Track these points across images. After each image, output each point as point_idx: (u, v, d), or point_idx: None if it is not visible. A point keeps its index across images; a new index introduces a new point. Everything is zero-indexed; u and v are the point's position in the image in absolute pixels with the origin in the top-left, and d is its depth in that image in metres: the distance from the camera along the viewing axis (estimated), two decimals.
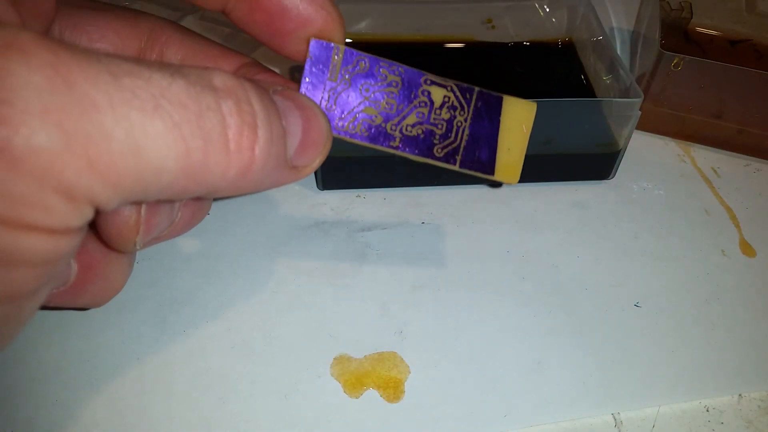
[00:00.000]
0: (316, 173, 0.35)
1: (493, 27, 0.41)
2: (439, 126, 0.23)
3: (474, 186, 0.35)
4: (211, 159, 0.15)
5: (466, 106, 0.23)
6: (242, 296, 0.30)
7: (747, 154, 0.38)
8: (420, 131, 0.22)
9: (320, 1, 0.20)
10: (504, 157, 0.24)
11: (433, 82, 0.22)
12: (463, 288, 0.31)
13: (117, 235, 0.19)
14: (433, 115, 0.22)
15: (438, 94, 0.22)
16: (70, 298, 0.20)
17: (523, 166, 0.29)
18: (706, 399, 0.27)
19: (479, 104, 0.23)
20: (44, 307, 0.19)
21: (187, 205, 0.21)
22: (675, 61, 0.36)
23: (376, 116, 0.22)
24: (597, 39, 0.38)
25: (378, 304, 0.30)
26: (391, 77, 0.22)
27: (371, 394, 0.27)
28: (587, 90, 0.38)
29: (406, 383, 0.27)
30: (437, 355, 0.28)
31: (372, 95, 0.22)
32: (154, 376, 0.27)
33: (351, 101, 0.21)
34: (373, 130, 0.22)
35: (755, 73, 0.35)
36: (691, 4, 0.41)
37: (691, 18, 0.41)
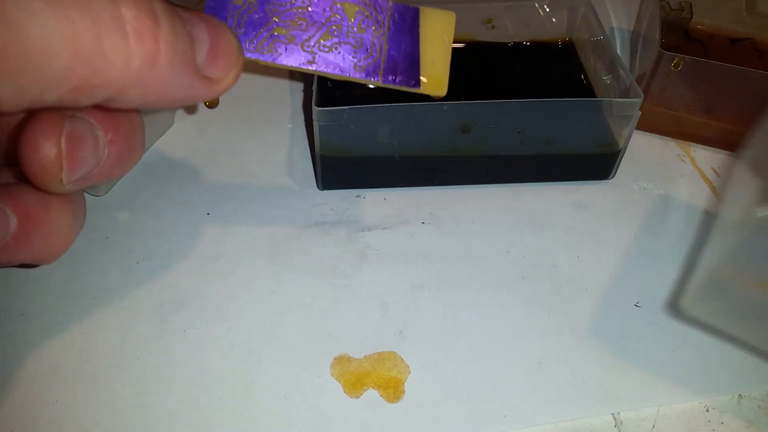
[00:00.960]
0: (315, 173, 0.35)
1: (493, 27, 0.41)
2: (357, 42, 0.22)
3: (474, 187, 0.35)
4: (105, 43, 0.15)
5: (382, 20, 0.23)
6: (242, 296, 0.30)
7: None
8: (336, 48, 0.22)
9: None
10: (429, 70, 0.23)
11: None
12: (463, 288, 0.31)
13: (41, 172, 0.18)
14: (348, 32, 0.22)
15: (351, 10, 0.22)
16: (14, 252, 0.20)
17: (524, 165, 0.29)
18: (706, 399, 0.27)
19: (395, 17, 0.23)
20: None
21: (114, 141, 0.20)
22: (675, 61, 0.36)
23: (287, 36, 0.21)
24: (597, 39, 0.38)
25: (378, 304, 0.30)
26: None
27: (371, 394, 0.27)
28: (587, 90, 0.38)
29: (406, 383, 0.27)
30: (437, 355, 0.28)
31: (281, 15, 0.21)
32: (154, 376, 0.27)
33: (259, 22, 0.21)
34: (286, 50, 0.21)
35: (755, 73, 0.35)
36: (691, 3, 0.41)
37: (692, 18, 0.41)
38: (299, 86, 0.42)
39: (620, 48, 0.45)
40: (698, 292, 0.24)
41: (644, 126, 0.39)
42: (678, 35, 0.41)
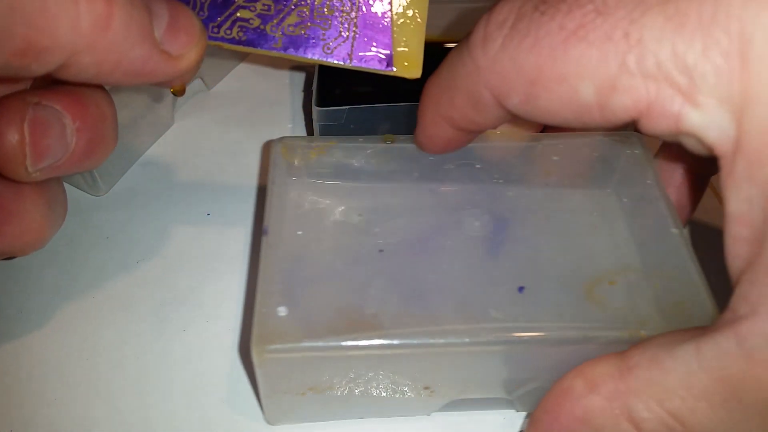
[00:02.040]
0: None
1: None
2: (325, 23, 0.21)
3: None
4: (52, 5, 0.14)
5: (349, 1, 0.22)
6: (242, 295, 0.30)
7: None
8: (303, 30, 0.21)
9: None
10: (401, 51, 0.22)
11: None
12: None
13: (3, 159, 0.18)
14: (315, 13, 0.21)
15: None
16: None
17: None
18: None
19: None
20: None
21: (82, 129, 0.19)
22: None
23: (252, 19, 0.21)
24: None
25: None
26: None
27: None
28: None
29: None
30: None
31: None
32: (154, 375, 0.27)
33: (223, 6, 0.20)
34: (251, 33, 0.21)
35: None
36: None
37: None
38: (299, 86, 0.42)
39: None
40: None
41: None
42: None
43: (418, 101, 0.31)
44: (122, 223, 0.33)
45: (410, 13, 0.23)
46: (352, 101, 0.31)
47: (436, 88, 0.22)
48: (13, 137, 0.17)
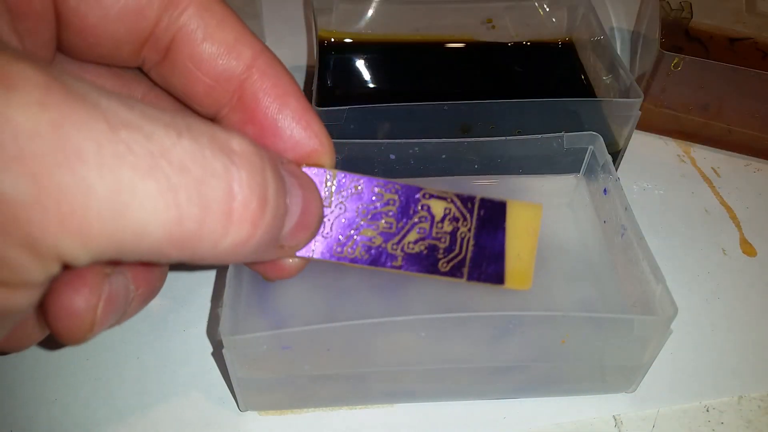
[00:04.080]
0: None
1: (493, 27, 0.41)
2: (443, 240, 0.22)
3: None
4: (205, 229, 0.14)
5: (468, 215, 0.22)
6: None
7: (747, 154, 0.38)
8: (423, 247, 0.22)
9: (315, 129, 0.19)
10: (514, 264, 0.23)
11: (431, 196, 0.22)
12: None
13: (67, 331, 0.17)
14: (435, 229, 0.22)
15: (438, 207, 0.22)
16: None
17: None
18: (706, 400, 0.27)
19: (482, 212, 0.22)
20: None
21: (142, 294, 0.19)
22: (675, 61, 0.36)
23: (375, 237, 0.21)
24: (597, 39, 0.38)
25: None
26: (388, 195, 0.21)
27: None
28: (587, 90, 0.38)
29: None
30: None
31: (369, 216, 0.21)
32: (154, 375, 0.27)
33: (348, 225, 0.20)
34: (373, 252, 0.21)
35: (756, 73, 0.35)
36: (691, 3, 0.41)
37: (692, 18, 0.41)
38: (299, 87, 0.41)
39: (620, 48, 0.45)
40: None
41: (644, 126, 0.39)
42: (678, 35, 0.41)
43: (417, 101, 0.31)
44: None
45: (524, 226, 0.23)
46: (352, 101, 0.31)
47: None
48: (87, 316, 0.17)
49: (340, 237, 0.21)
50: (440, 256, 0.22)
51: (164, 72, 0.19)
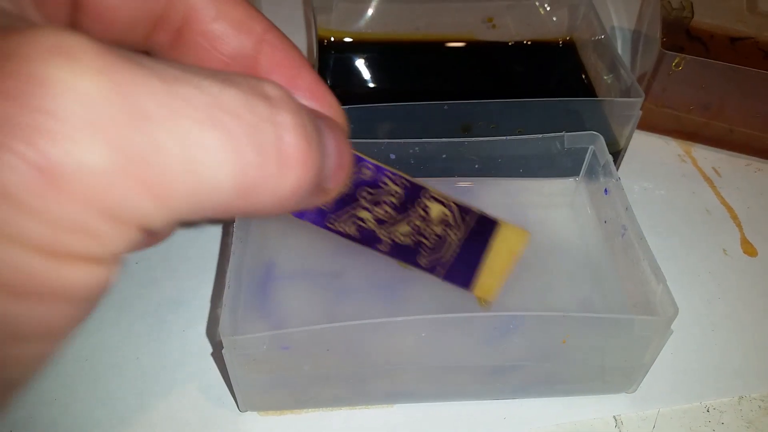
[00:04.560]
0: None
1: (493, 26, 0.41)
2: (430, 239, 0.23)
3: None
4: (266, 175, 0.14)
5: (462, 225, 0.23)
6: None
7: (748, 154, 0.38)
8: (410, 241, 0.22)
9: (329, 100, 0.19)
10: (486, 277, 0.24)
11: (434, 198, 0.22)
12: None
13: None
14: (426, 229, 0.22)
15: (436, 210, 0.22)
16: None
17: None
18: (707, 400, 0.27)
19: (474, 225, 0.23)
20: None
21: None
22: (676, 61, 0.36)
23: (369, 220, 0.22)
24: (598, 38, 0.38)
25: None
26: (393, 187, 0.22)
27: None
28: (588, 89, 0.38)
29: None
30: None
31: (370, 201, 0.21)
32: (154, 375, 0.27)
33: (346, 202, 0.21)
34: (364, 232, 0.22)
35: (757, 73, 0.35)
36: (692, 3, 0.41)
37: (692, 17, 0.41)
38: None
39: (621, 47, 0.45)
40: None
41: (645, 126, 0.39)
42: (679, 34, 0.41)
43: (417, 101, 0.31)
44: None
45: (507, 247, 0.24)
46: (352, 101, 0.31)
47: None
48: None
49: (337, 211, 0.21)
50: (424, 252, 0.23)
51: (176, 54, 0.19)
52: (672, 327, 0.24)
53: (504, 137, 0.30)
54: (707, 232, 0.34)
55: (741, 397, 0.28)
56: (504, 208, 0.31)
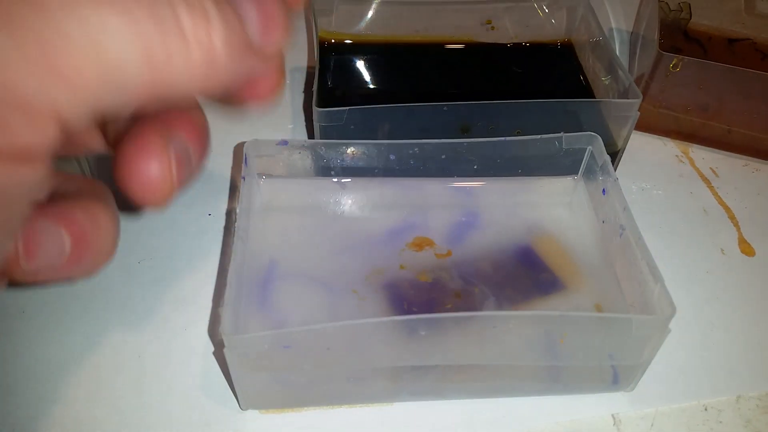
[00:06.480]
0: None
1: (492, 28, 0.41)
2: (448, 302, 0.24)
3: None
4: (172, 51, 0.14)
5: None
6: None
7: (746, 155, 0.39)
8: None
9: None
10: None
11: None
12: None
13: (151, 197, 0.18)
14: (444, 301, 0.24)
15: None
16: (65, 273, 0.19)
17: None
18: (705, 399, 0.27)
19: None
20: (37, 283, 0.18)
21: (193, 144, 0.20)
22: (674, 62, 0.36)
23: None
24: (596, 40, 0.38)
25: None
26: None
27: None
28: (586, 91, 0.38)
29: None
30: None
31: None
32: (155, 374, 0.27)
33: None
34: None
35: (754, 74, 0.35)
36: (689, 4, 0.41)
37: (690, 18, 0.41)
38: (299, 87, 0.42)
39: (619, 49, 0.45)
40: None
41: (643, 127, 0.39)
42: (677, 36, 0.41)
43: (417, 102, 0.31)
44: (123, 223, 0.33)
45: None
46: (353, 102, 0.31)
47: None
48: (165, 176, 0.17)
49: None
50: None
51: None
52: (670, 326, 0.24)
53: (503, 138, 0.30)
54: (705, 232, 0.34)
55: (739, 396, 0.28)
56: (503, 208, 0.31)
